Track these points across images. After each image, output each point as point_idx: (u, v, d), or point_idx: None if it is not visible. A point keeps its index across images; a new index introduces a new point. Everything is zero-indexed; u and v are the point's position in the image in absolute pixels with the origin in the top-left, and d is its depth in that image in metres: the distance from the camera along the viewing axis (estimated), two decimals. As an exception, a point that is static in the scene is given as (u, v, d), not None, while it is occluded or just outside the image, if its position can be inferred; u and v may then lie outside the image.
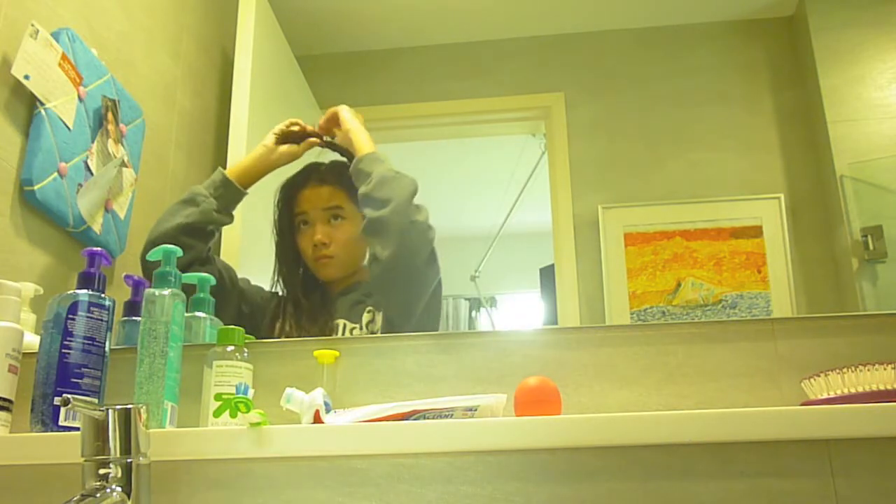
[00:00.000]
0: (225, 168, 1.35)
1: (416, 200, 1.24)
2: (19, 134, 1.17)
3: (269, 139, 1.36)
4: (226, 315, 1.19)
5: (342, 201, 1.37)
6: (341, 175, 1.36)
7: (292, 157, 1.37)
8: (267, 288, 1.39)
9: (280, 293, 1.39)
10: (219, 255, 1.37)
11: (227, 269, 1.34)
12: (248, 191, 1.35)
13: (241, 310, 1.34)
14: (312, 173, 1.39)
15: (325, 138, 1.38)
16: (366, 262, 1.34)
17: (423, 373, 1.05)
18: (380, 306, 1.29)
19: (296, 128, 1.37)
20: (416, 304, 1.26)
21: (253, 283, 1.39)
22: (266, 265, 1.41)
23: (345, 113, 1.35)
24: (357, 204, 1.31)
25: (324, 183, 1.38)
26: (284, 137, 1.37)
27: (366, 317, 1.29)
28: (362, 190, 1.27)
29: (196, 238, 1.27)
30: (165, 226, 1.27)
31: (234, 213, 1.35)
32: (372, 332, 1.27)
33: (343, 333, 1.28)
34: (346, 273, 1.37)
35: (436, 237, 1.25)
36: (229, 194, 1.32)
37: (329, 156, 1.41)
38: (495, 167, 1.58)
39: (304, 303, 1.35)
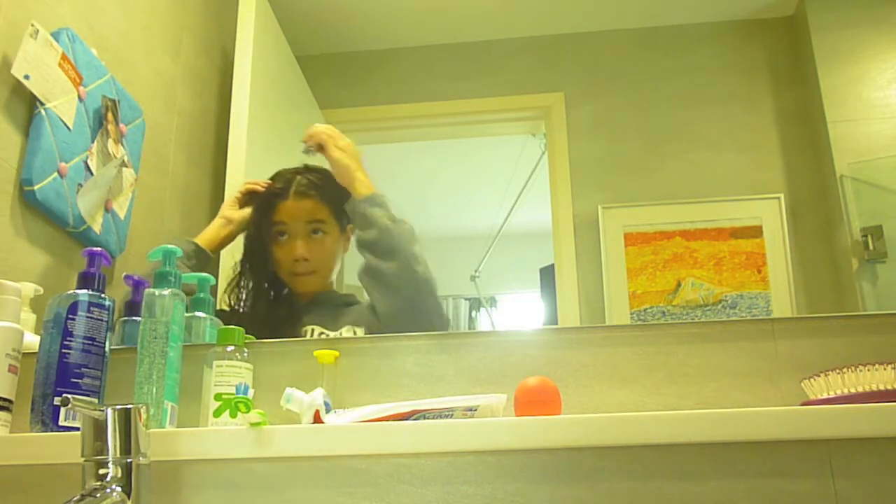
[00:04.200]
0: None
1: (417, 248, 1.23)
2: (19, 134, 1.16)
3: (227, 207, 1.37)
4: None
5: (325, 215, 1.34)
6: (324, 187, 1.34)
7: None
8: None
9: (235, 308, 1.34)
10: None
11: None
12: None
13: None
14: (293, 184, 1.35)
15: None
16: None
17: (423, 373, 1.05)
18: (360, 323, 1.26)
19: (256, 187, 1.37)
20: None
21: None
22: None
23: (334, 152, 1.31)
24: (338, 217, 1.32)
25: (306, 196, 1.35)
26: (246, 199, 1.38)
27: (345, 332, 1.25)
28: (364, 236, 1.25)
29: None
30: None
31: None
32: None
33: (312, 336, 1.25)
34: (323, 287, 1.36)
35: (436, 283, 1.24)
36: (201, 263, 1.31)
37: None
38: (495, 167, 1.58)
39: (272, 315, 1.32)
